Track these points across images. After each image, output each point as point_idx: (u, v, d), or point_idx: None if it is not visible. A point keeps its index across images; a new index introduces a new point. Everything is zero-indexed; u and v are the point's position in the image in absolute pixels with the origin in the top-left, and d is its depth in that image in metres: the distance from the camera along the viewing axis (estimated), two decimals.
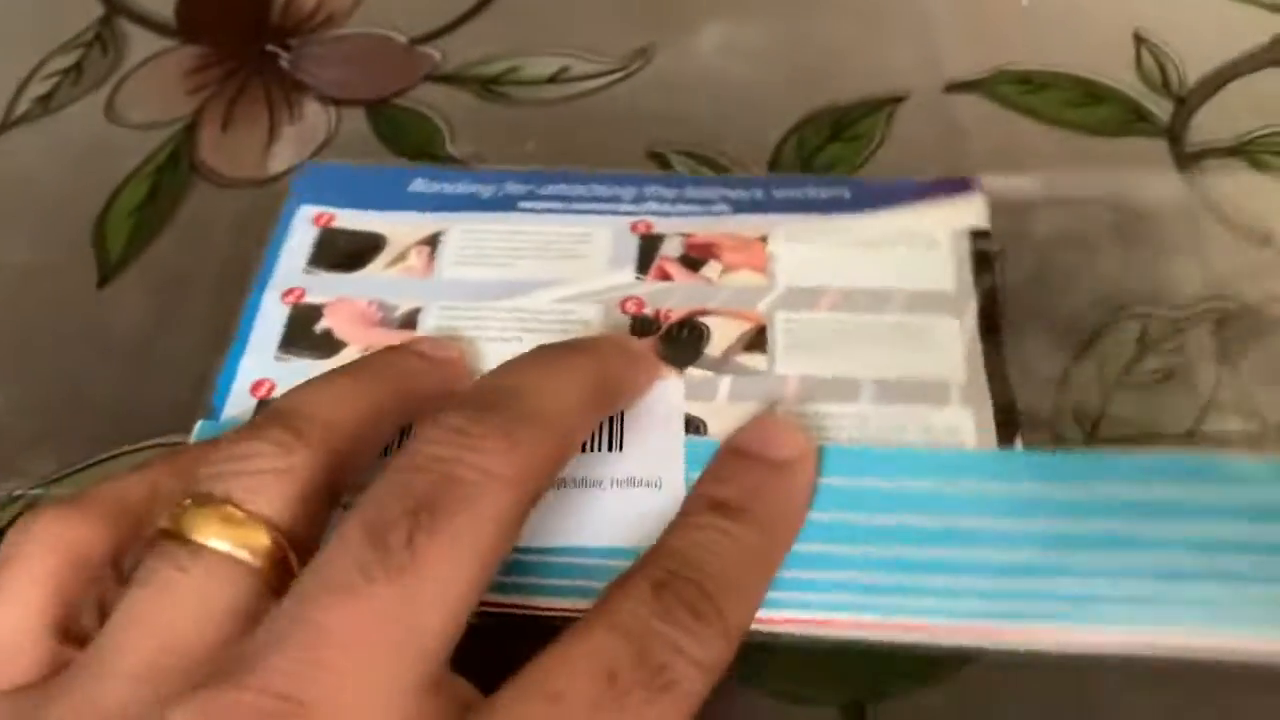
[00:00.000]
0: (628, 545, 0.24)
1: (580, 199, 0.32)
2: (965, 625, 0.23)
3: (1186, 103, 0.34)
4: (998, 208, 0.31)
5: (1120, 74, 0.35)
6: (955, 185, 0.32)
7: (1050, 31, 0.37)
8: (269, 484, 0.20)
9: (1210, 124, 0.34)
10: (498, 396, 0.21)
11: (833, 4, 0.39)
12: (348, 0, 0.41)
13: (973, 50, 0.37)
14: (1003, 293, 0.29)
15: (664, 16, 0.39)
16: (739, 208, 0.32)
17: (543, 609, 0.24)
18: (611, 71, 0.37)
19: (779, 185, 0.32)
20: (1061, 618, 0.23)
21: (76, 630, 0.21)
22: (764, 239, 0.31)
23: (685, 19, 0.39)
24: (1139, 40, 0.36)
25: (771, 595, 0.23)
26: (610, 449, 0.26)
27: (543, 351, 0.24)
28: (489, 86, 0.37)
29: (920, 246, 0.30)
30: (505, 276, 0.30)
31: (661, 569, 0.21)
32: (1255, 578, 0.23)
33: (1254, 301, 0.29)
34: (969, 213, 0.31)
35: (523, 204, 0.32)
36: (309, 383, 0.24)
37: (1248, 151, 0.33)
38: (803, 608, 0.24)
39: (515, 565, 0.24)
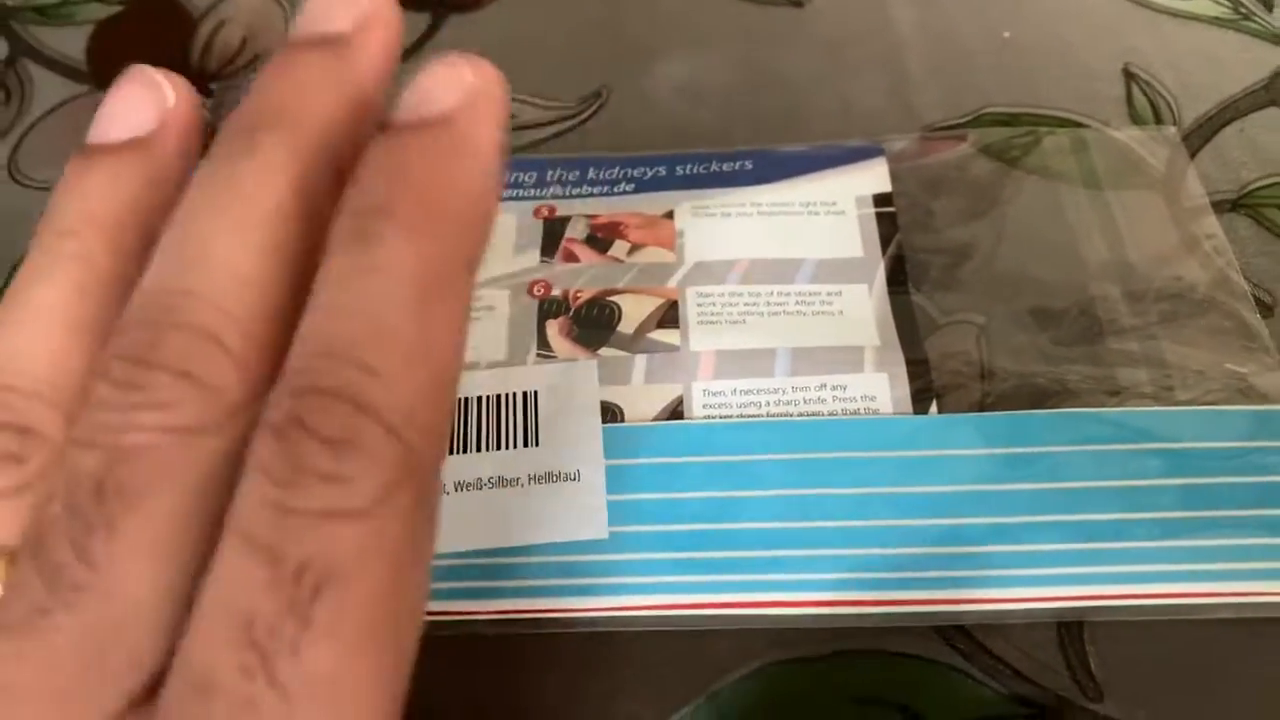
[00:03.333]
0: (549, 541, 0.24)
1: None
2: (898, 596, 0.23)
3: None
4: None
5: (1110, 114, 0.33)
6: (860, 151, 0.31)
7: (1034, 67, 0.35)
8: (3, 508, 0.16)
9: (1209, 173, 0.31)
10: (160, 309, 0.15)
11: (797, 36, 0.36)
12: (275, 37, 0.37)
13: (952, 89, 0.34)
14: (910, 255, 0.29)
15: (618, 55, 0.36)
16: (643, 186, 0.31)
17: (463, 614, 0.23)
18: (563, 118, 0.34)
19: (682, 161, 0.32)
20: (994, 583, 0.23)
21: None
22: (670, 215, 0.30)
23: (641, 57, 0.36)
24: (1129, 76, 0.34)
25: (695, 579, 0.23)
26: (525, 444, 0.25)
27: (210, 168, 0.16)
28: None
29: (826, 214, 0.30)
30: None
31: (286, 393, 0.14)
32: (1179, 530, 0.24)
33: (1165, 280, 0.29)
34: (872, 178, 0.31)
35: None
36: None
37: (1249, 205, 0.31)
38: (732, 590, 0.23)
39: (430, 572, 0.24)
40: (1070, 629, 0.23)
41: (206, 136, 0.36)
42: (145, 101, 0.18)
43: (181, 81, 0.18)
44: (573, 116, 0.34)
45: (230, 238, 0.15)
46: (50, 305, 0.17)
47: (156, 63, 0.40)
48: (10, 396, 0.16)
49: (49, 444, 0.16)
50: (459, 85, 0.16)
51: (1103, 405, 0.26)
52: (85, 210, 0.17)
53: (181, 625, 0.14)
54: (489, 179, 0.16)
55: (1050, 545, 0.24)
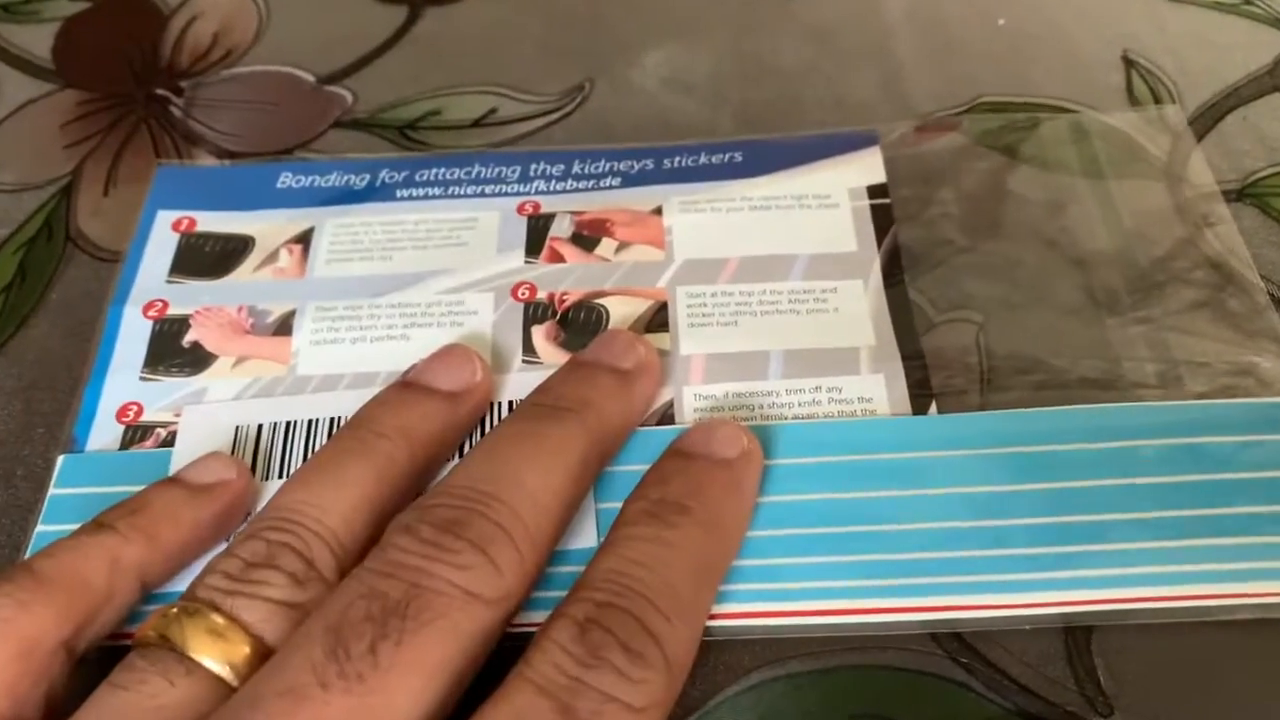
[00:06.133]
0: None
1: (462, 182, 0.31)
2: (900, 604, 0.22)
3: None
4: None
5: (1110, 102, 0.32)
6: (853, 140, 0.30)
7: (1030, 54, 0.34)
8: (277, 613, 0.19)
9: (1212, 161, 0.30)
10: (473, 500, 0.20)
11: (785, 24, 0.35)
12: (248, 33, 0.36)
13: (945, 78, 0.33)
14: (906, 248, 0.28)
15: (601, 46, 0.35)
16: (630, 180, 0.30)
17: None
18: (545, 112, 0.33)
19: (670, 154, 0.31)
20: (999, 588, 0.22)
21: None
22: (658, 211, 0.29)
23: (624, 48, 0.35)
24: (1128, 63, 0.33)
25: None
26: None
27: (524, 425, 0.22)
28: (407, 132, 0.33)
29: (819, 207, 0.29)
30: (385, 270, 0.28)
31: (590, 601, 0.19)
32: (1189, 529, 0.23)
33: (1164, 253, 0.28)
34: (866, 169, 0.30)
35: (400, 192, 0.30)
36: (305, 482, 0.22)
37: (1254, 195, 0.30)
38: (727, 600, 0.22)
39: None
40: (1077, 640, 0.22)
41: (174, 131, 0.35)
42: (464, 369, 0.24)
43: (487, 367, 0.25)
44: (555, 110, 0.33)
45: (535, 472, 0.21)
46: (356, 479, 0.21)
47: (126, 60, 0.39)
48: (307, 535, 0.20)
49: (323, 583, 0.20)
50: (740, 444, 0.23)
51: (1108, 400, 0.25)
52: (399, 424, 0.22)
53: None
54: (750, 514, 0.23)
55: (1056, 548, 0.23)
